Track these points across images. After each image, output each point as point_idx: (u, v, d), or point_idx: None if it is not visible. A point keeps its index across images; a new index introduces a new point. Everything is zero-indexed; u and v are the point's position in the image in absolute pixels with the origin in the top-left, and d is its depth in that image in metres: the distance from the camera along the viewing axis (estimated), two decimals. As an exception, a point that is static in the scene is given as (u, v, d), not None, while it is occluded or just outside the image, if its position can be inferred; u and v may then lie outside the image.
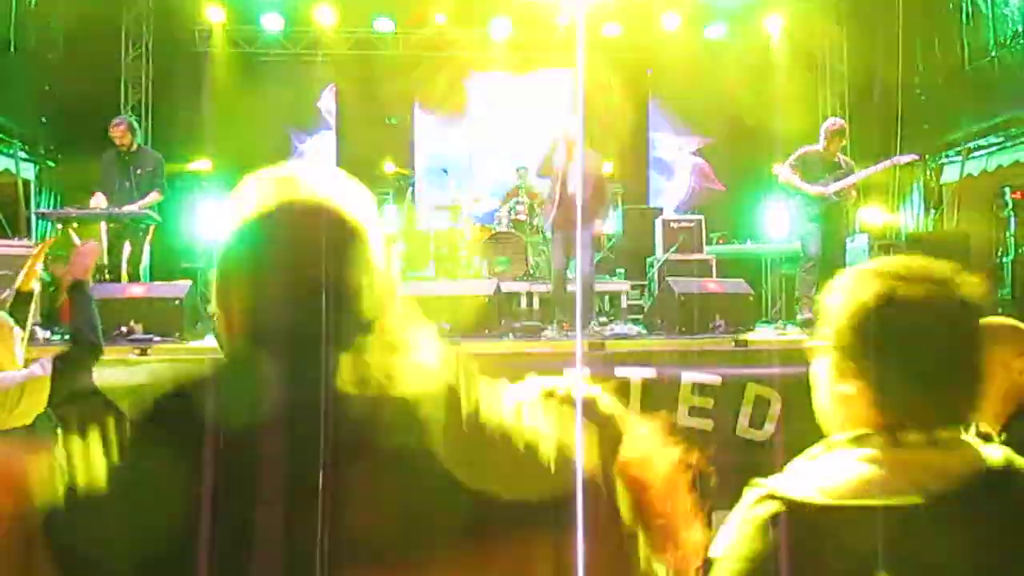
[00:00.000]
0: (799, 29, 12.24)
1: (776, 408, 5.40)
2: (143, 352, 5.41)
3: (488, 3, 11.79)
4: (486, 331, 5.92)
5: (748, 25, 12.16)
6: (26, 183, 9.40)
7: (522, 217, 9.13)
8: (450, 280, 8.67)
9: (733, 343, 5.78)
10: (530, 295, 8.76)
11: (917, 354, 1.24)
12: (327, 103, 12.93)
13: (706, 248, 9.37)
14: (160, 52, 11.62)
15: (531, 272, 8.87)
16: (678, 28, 11.97)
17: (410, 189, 11.78)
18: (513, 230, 9.08)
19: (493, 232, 9.19)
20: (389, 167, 12.33)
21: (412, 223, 10.75)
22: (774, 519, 1.18)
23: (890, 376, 1.23)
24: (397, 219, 10.75)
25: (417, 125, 12.98)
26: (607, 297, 9.30)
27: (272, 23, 11.68)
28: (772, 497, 1.20)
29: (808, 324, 6.63)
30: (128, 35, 11.38)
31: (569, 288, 7.19)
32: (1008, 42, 9.28)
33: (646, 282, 9.34)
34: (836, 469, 1.22)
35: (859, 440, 1.24)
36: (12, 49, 9.39)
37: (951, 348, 1.25)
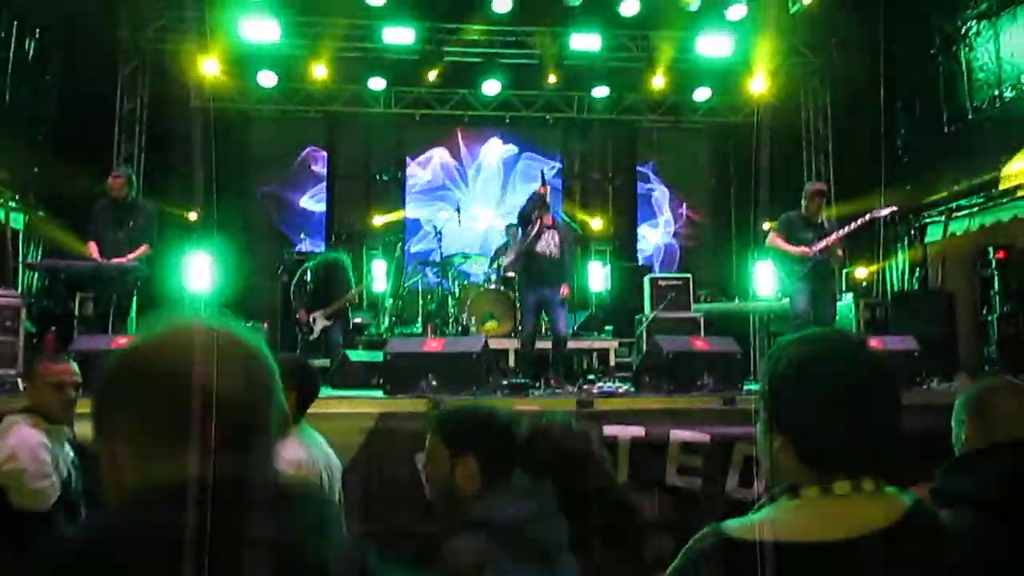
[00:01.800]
0: (783, 91, 12.53)
1: (766, 467, 5.37)
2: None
3: (479, 64, 12.00)
4: (473, 388, 5.88)
5: (734, 87, 12.42)
6: (14, 232, 9.38)
7: (511, 275, 9.15)
8: (438, 337, 8.66)
9: (722, 401, 5.77)
10: (517, 352, 8.75)
11: (830, 414, 1.37)
12: (318, 158, 13.06)
13: (694, 306, 9.42)
14: (155, 105, 11.75)
15: (519, 329, 8.87)
16: (666, 90, 12.19)
17: (400, 245, 11.84)
18: (502, 287, 9.09)
19: (481, 289, 9.21)
20: (379, 221, 12.45)
21: (401, 279, 10.79)
22: (710, 550, 1.35)
23: (808, 434, 1.38)
24: (386, 275, 10.78)
25: (408, 182, 13.10)
26: (594, 354, 9.29)
27: (266, 79, 11.83)
28: (713, 533, 1.36)
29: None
30: (124, 88, 11.51)
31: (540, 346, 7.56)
32: (985, 105, 9.52)
33: (634, 340, 9.35)
34: (771, 515, 1.36)
35: (793, 491, 1.37)
36: (7, 100, 9.48)
37: (861, 406, 1.37)
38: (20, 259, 9.42)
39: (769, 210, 11.04)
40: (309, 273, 8.43)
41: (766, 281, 10.43)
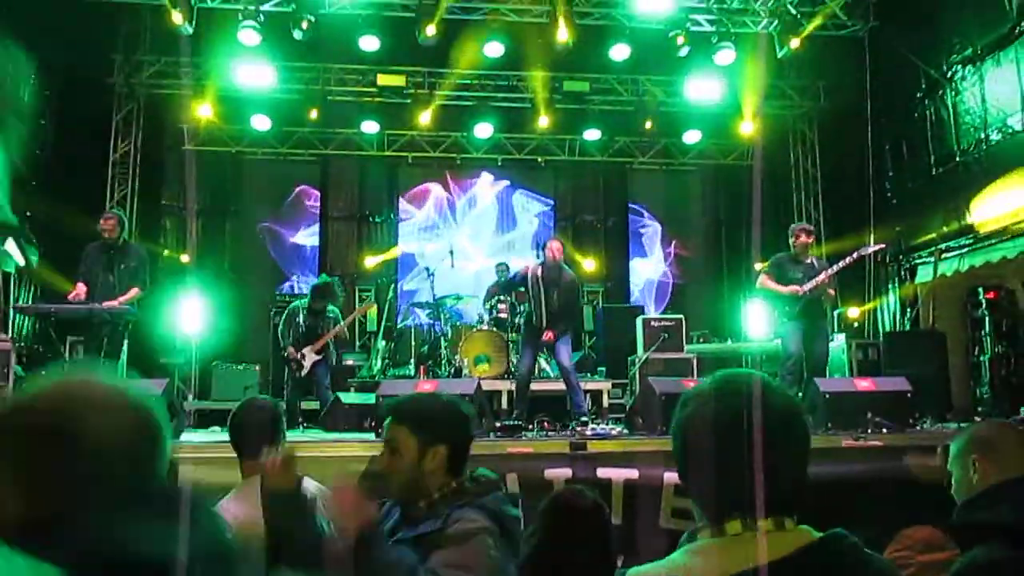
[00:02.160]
0: (773, 134, 12.70)
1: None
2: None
3: (471, 107, 12.13)
4: (467, 430, 5.86)
5: (723, 130, 12.58)
6: (5, 275, 9.35)
7: (503, 315, 9.14)
8: (431, 379, 8.62)
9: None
10: (511, 393, 8.71)
11: (724, 462, 1.39)
12: (311, 195, 13.10)
13: (687, 347, 9.41)
14: (148, 148, 11.82)
15: (511, 370, 8.84)
16: (656, 132, 12.34)
17: (392, 287, 11.86)
18: (494, 328, 9.08)
19: (474, 330, 9.19)
20: (371, 262, 12.46)
21: (394, 321, 10.78)
22: None
23: (701, 479, 1.43)
24: (379, 317, 10.77)
25: (401, 222, 13.15)
26: (587, 396, 9.25)
27: (260, 123, 11.92)
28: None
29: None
30: (118, 131, 11.59)
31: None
32: (972, 148, 9.65)
33: (627, 381, 9.33)
34: (671, 559, 1.43)
35: (691, 537, 1.45)
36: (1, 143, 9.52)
37: (748, 449, 1.38)
38: (11, 303, 9.39)
39: (761, 250, 11.12)
40: (300, 313, 8.38)
41: (758, 322, 10.46)
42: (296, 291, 12.27)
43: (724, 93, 11.62)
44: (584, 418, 7.30)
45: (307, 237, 13.03)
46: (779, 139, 12.75)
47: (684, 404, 1.49)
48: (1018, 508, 2.07)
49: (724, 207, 13.66)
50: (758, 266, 9.86)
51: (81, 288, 7.11)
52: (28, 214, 10.20)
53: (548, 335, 7.43)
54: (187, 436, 6.86)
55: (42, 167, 10.45)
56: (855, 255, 7.52)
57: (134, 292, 7.14)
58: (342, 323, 8.33)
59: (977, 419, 7.24)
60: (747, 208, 13.25)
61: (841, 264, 7.46)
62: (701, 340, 10.64)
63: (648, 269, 13.64)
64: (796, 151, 12.59)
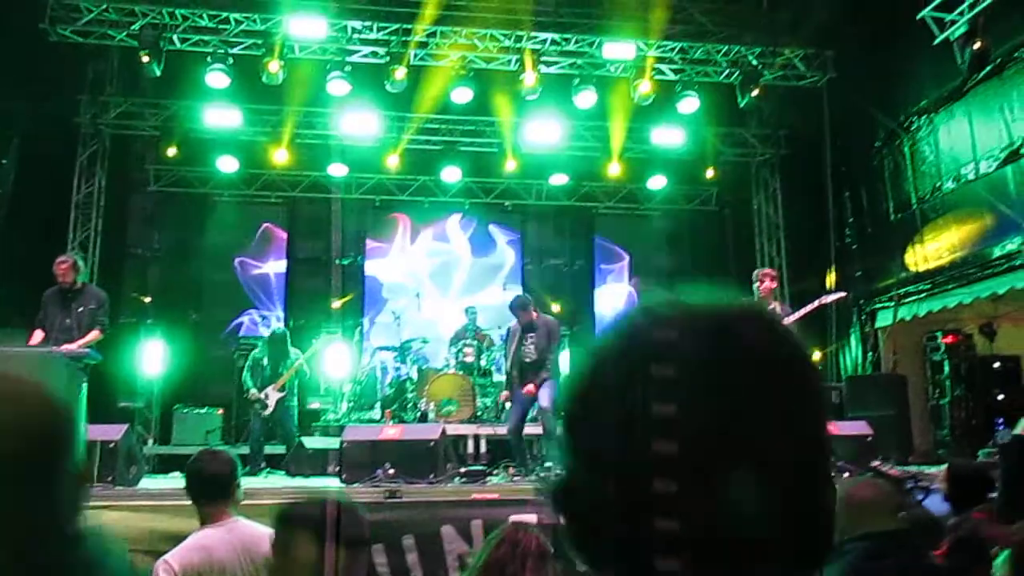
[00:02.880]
0: (736, 179, 12.95)
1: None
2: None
3: (439, 152, 12.22)
4: (431, 475, 5.81)
5: (688, 175, 12.80)
6: (-40, 318, 9.16)
7: (470, 359, 9.12)
8: (396, 423, 8.55)
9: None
10: (477, 438, 8.66)
11: None
12: (278, 239, 13.02)
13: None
14: (113, 189, 11.70)
15: (478, 415, 8.80)
16: (622, 178, 12.51)
17: (358, 330, 11.79)
18: (460, 372, 9.05)
19: (441, 374, 9.16)
20: (337, 304, 12.39)
21: (359, 364, 10.69)
22: None
23: None
24: (345, 360, 10.68)
25: (367, 267, 13.10)
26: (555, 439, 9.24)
27: (227, 165, 11.86)
28: None
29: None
30: (82, 172, 11.47)
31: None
32: (928, 196, 9.92)
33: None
34: None
35: None
36: (-40, 184, 9.41)
37: None
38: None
39: (726, 294, 11.22)
40: (260, 356, 8.35)
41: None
42: (258, 327, 12.15)
43: (687, 140, 11.85)
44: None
45: (274, 272, 12.92)
46: (742, 185, 12.99)
47: None
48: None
49: (688, 250, 13.84)
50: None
51: (38, 335, 6.98)
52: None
53: (529, 389, 7.38)
54: (146, 483, 6.71)
55: (4, 206, 10.33)
56: (817, 303, 7.64)
57: (94, 335, 7.03)
58: (302, 358, 8.32)
59: (938, 463, 7.34)
60: (712, 252, 13.44)
61: (804, 311, 7.56)
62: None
63: (613, 302, 13.71)
64: (759, 197, 12.82)
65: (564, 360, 11.54)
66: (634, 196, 13.37)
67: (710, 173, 12.32)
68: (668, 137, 11.73)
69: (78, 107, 11.42)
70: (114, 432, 5.93)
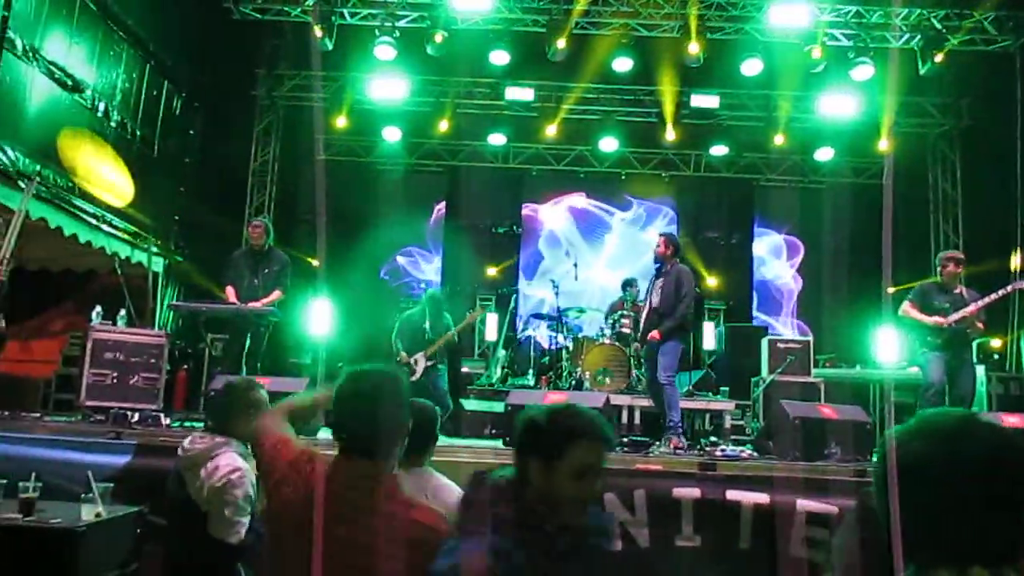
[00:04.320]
0: (910, 152, 12.18)
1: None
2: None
3: (597, 122, 12.17)
4: (593, 444, 5.86)
5: (857, 147, 12.15)
6: (155, 276, 9.97)
7: (626, 330, 9.07)
8: (553, 390, 8.66)
9: (852, 473, 5.54)
10: (631, 409, 8.65)
11: (959, 507, 1.32)
12: (437, 211, 13.42)
13: (814, 371, 9.11)
14: (286, 158, 12.38)
15: (633, 385, 8.78)
16: (786, 149, 12.06)
17: (513, 297, 11.98)
18: (616, 343, 9.02)
19: (596, 344, 9.16)
20: (493, 272, 12.64)
21: (514, 331, 10.88)
22: None
23: (908, 516, 1.32)
24: (499, 327, 10.90)
25: (524, 234, 13.28)
26: (707, 415, 9.08)
27: (391, 135, 12.32)
28: None
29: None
30: (258, 142, 12.20)
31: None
32: None
33: (750, 402, 9.11)
34: None
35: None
36: (156, 152, 10.20)
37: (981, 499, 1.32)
38: (158, 301, 10.01)
39: (894, 276, 10.66)
40: (411, 321, 8.57)
41: (890, 348, 10.01)
42: (417, 292, 12.59)
43: (859, 110, 11.24)
44: (671, 433, 6.92)
45: (433, 241, 13.35)
46: (917, 158, 12.22)
47: (900, 445, 1.40)
48: None
49: (854, 227, 13.17)
50: (890, 291, 9.47)
51: (230, 292, 7.53)
52: (176, 218, 10.88)
53: (653, 335, 7.01)
54: (323, 434, 7.11)
55: (190, 175, 11.14)
56: (1009, 288, 7.10)
57: (276, 295, 7.50)
58: (453, 330, 8.46)
59: None
60: (880, 229, 12.72)
61: (992, 297, 7.05)
62: (828, 365, 10.27)
63: (777, 268, 13.33)
64: (935, 171, 12.04)
65: (710, 333, 11.37)
66: (799, 168, 12.87)
67: (883, 145, 11.65)
68: (838, 106, 11.17)
69: (255, 81, 12.12)
70: (296, 385, 6.31)
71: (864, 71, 10.40)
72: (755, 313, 13.21)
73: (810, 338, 9.33)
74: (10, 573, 3.41)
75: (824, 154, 12.30)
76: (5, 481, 3.95)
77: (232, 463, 3.41)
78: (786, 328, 13.10)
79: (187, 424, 6.49)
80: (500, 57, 10.70)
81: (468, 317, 8.65)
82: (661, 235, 7.51)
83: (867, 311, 11.47)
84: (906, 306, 7.26)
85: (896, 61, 10.86)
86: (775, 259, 13.46)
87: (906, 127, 11.97)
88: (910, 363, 8.81)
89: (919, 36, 10.26)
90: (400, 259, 13.36)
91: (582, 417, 2.11)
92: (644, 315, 7.41)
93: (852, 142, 12.11)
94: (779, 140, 11.78)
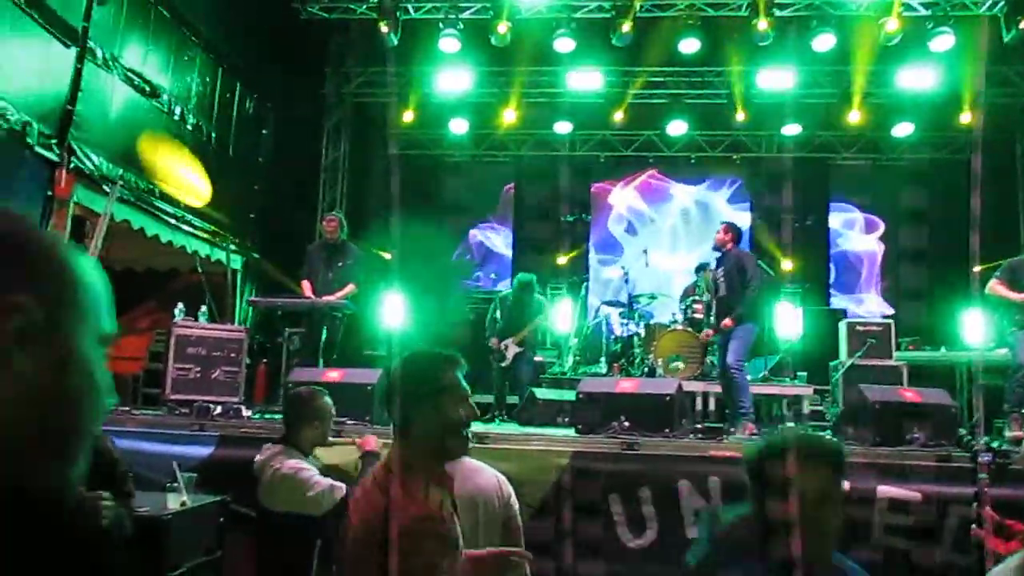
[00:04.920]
0: (995, 125, 11.67)
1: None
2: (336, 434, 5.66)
3: (664, 105, 12.01)
4: (667, 429, 5.81)
5: (938, 122, 11.69)
6: (234, 273, 10.27)
7: (699, 316, 8.96)
8: (624, 377, 8.61)
9: (935, 458, 5.36)
10: (705, 395, 8.55)
11: None
12: (506, 201, 13.47)
13: (895, 354, 8.81)
14: (356, 153, 12.58)
15: (706, 372, 8.67)
16: (862, 126, 11.68)
17: (584, 284, 11.93)
18: (689, 329, 8.92)
19: (668, 330, 9.07)
20: (563, 260, 12.62)
21: (585, 319, 10.84)
22: None
23: None
24: (570, 314, 10.87)
25: (592, 223, 13.22)
26: (784, 401, 8.91)
27: (458, 127, 12.40)
28: None
29: (1018, 442, 6.06)
30: (328, 139, 12.42)
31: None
32: None
33: (828, 387, 8.89)
34: None
35: None
36: (231, 153, 10.49)
37: None
38: (237, 297, 10.30)
39: (980, 253, 10.23)
40: (501, 304, 8.61)
41: (976, 329, 9.61)
42: (489, 287, 12.65)
43: (939, 82, 10.81)
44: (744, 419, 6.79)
45: (502, 234, 13.41)
46: (1003, 131, 11.68)
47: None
48: None
49: (936, 205, 12.71)
50: (976, 269, 9.11)
51: (306, 287, 7.72)
52: (252, 216, 11.17)
53: (725, 323, 6.99)
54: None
55: (264, 174, 11.42)
56: None
57: (350, 288, 7.66)
58: (542, 314, 8.45)
59: None
60: (963, 206, 12.25)
61: None
62: (911, 348, 9.92)
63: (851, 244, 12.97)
64: (1022, 144, 11.50)
65: (787, 315, 11.04)
66: (876, 145, 12.46)
67: (966, 118, 11.18)
68: (917, 79, 10.75)
69: (323, 79, 12.34)
70: (371, 376, 6.44)
71: (944, 41, 10.00)
72: (832, 292, 12.87)
73: (891, 321, 9.04)
74: None
75: (902, 129, 11.87)
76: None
77: (288, 464, 3.88)
78: (868, 296, 12.72)
79: (267, 416, 6.66)
80: (565, 44, 10.63)
81: (526, 329, 8.52)
82: (723, 223, 7.46)
83: (952, 291, 11.05)
84: (994, 283, 6.96)
85: (983, 29, 10.37)
86: (852, 231, 13.08)
87: (990, 98, 11.45)
88: (998, 344, 8.45)
89: (1002, 2, 9.80)
90: (474, 233, 13.44)
91: (811, 442, 2.10)
92: (714, 305, 7.38)
93: (931, 116, 11.66)
94: (854, 117, 11.41)
